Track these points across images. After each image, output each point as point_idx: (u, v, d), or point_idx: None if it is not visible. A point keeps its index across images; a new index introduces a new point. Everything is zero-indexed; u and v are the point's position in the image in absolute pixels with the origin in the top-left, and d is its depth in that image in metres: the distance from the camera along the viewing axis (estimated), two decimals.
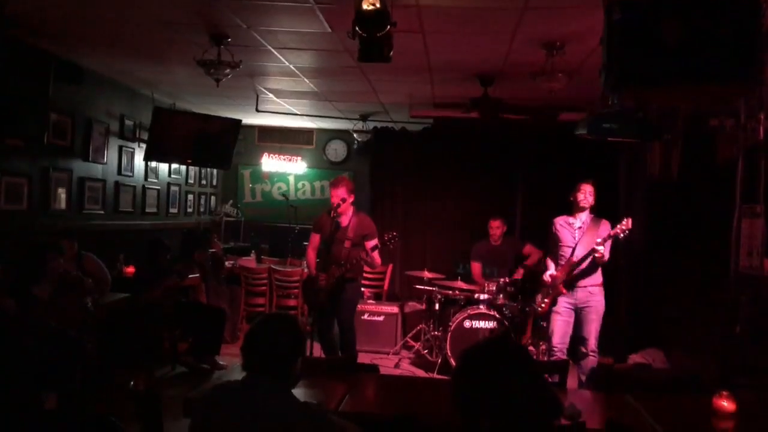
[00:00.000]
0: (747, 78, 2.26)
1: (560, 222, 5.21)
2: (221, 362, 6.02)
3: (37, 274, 4.60)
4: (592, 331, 5.02)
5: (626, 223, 4.79)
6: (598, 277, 5.06)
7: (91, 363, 4.63)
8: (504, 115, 6.13)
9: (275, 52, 5.27)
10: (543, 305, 5.24)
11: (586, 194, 5.06)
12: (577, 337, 5.12)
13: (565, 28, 4.29)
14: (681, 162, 5.60)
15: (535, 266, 6.55)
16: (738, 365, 4.21)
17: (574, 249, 5.05)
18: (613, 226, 4.96)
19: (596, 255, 4.85)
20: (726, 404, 2.95)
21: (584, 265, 4.98)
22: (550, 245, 5.32)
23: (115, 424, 3.04)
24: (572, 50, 4.64)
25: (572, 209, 5.15)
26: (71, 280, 4.89)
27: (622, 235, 4.83)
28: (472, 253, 7.00)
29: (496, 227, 6.81)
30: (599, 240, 4.84)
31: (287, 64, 5.64)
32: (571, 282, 5.04)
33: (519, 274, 6.72)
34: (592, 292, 5.03)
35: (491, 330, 5.96)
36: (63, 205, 6.10)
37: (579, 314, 5.07)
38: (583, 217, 5.10)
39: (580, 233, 5.06)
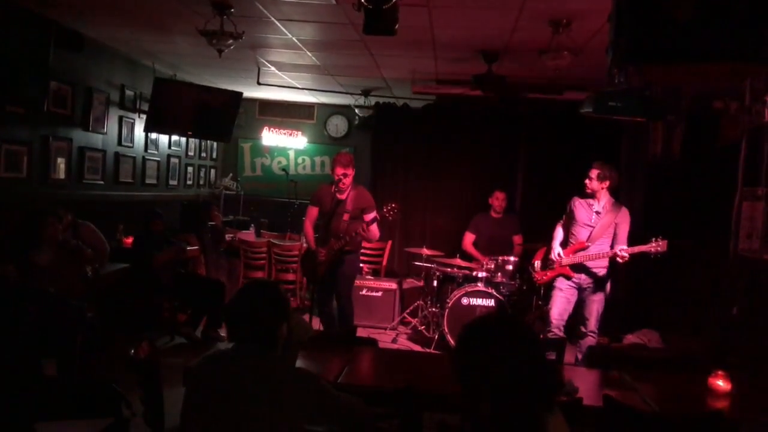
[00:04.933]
0: (758, 56, 2.23)
1: (579, 201, 5.10)
2: (222, 334, 6.06)
3: (36, 240, 4.59)
4: (594, 311, 5.01)
5: (662, 245, 4.58)
6: (606, 259, 4.98)
7: (91, 331, 4.65)
8: (508, 93, 6.08)
9: (278, 24, 5.22)
10: (545, 277, 5.26)
11: (589, 178, 4.98)
12: (578, 316, 5.12)
13: (572, 5, 4.24)
14: (683, 143, 5.59)
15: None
16: (734, 346, 4.24)
17: (590, 233, 4.97)
18: (631, 217, 4.93)
19: (618, 260, 4.77)
20: (721, 384, 2.98)
21: (597, 256, 4.94)
22: (565, 221, 5.23)
23: (115, 391, 3.08)
24: (579, 28, 4.59)
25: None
26: (71, 248, 4.89)
27: (653, 256, 4.67)
28: (470, 224, 7.02)
29: (502, 199, 6.83)
30: (625, 248, 4.72)
31: (290, 36, 5.59)
32: (577, 265, 5.03)
33: (517, 252, 6.74)
34: (599, 273, 4.99)
35: (489, 308, 5.98)
36: (62, 174, 6.06)
37: (582, 294, 5.05)
38: (603, 202, 4.98)
39: (598, 218, 4.97)
